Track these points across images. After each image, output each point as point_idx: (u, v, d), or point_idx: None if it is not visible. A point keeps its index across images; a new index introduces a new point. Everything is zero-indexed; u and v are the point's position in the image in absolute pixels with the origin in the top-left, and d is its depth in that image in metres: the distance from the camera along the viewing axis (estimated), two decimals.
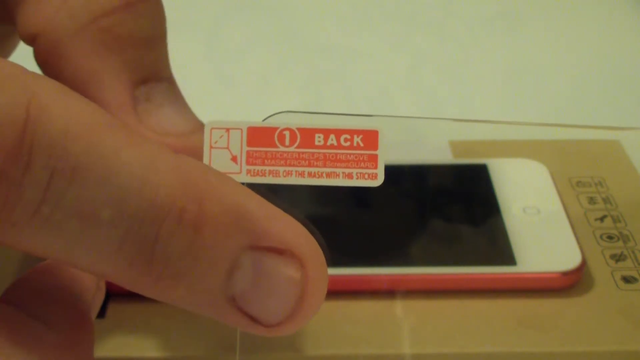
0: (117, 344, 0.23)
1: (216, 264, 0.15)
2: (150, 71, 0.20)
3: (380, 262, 0.24)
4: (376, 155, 0.17)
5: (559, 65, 0.44)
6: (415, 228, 0.26)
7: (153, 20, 0.20)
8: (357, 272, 0.24)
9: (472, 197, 0.28)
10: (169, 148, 0.16)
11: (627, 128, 0.28)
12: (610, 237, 0.26)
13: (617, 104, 0.40)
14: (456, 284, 0.24)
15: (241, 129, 0.17)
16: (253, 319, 0.16)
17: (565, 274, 0.24)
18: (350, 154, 0.17)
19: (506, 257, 0.25)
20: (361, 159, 0.17)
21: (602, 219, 0.27)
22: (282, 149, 0.17)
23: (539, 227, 0.26)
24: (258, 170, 0.17)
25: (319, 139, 0.17)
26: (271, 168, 0.17)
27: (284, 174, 0.17)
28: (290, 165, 0.17)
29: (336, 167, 0.17)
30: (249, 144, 0.17)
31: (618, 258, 0.25)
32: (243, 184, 0.17)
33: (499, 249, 0.25)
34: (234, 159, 0.17)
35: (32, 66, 0.17)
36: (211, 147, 0.17)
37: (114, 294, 0.23)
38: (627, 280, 0.24)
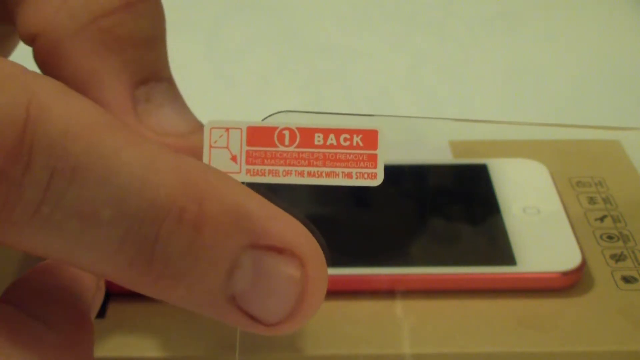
0: (117, 344, 0.23)
1: (216, 264, 0.15)
2: (150, 71, 0.20)
3: (380, 262, 0.24)
4: (376, 155, 0.17)
5: (559, 65, 0.44)
6: (415, 228, 0.26)
7: (153, 20, 0.20)
8: (357, 272, 0.24)
9: (472, 197, 0.28)
10: (169, 148, 0.16)
11: (627, 128, 0.28)
12: (610, 237, 0.26)
13: (617, 104, 0.40)
14: (456, 284, 0.24)
15: (241, 129, 0.17)
16: (253, 318, 0.16)
17: (565, 274, 0.24)
18: (349, 154, 0.17)
19: (506, 257, 0.25)
20: (361, 158, 0.17)
21: (602, 219, 0.27)
22: (281, 148, 0.17)
23: (539, 227, 0.26)
24: (258, 170, 0.17)
25: (318, 139, 0.17)
26: (271, 168, 0.17)
27: (284, 174, 0.17)
28: (289, 164, 0.17)
29: (336, 166, 0.17)
30: (249, 143, 0.17)
31: (618, 258, 0.25)
32: (243, 183, 0.17)
33: (499, 249, 0.25)
34: (233, 158, 0.17)
35: (32, 66, 0.17)
36: (211, 146, 0.17)
37: (114, 293, 0.24)
38: (627, 280, 0.24)
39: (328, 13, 0.48)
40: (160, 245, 0.15)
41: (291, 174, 0.17)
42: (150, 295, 0.16)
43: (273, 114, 0.18)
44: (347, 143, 0.17)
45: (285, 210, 0.16)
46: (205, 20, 0.47)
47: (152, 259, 0.15)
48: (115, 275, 0.15)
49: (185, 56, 0.37)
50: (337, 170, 0.17)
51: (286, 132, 0.17)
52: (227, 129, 0.17)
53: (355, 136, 0.17)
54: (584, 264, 0.24)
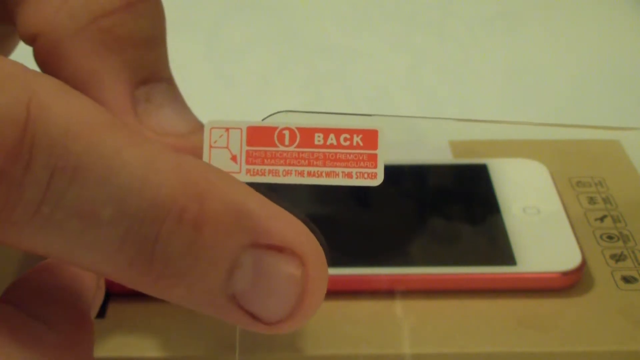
0: (117, 344, 0.23)
1: (217, 263, 0.15)
2: (150, 71, 0.20)
3: (380, 262, 0.24)
4: (376, 155, 0.17)
5: (559, 65, 0.44)
6: (415, 228, 0.26)
7: (153, 20, 0.20)
8: (357, 272, 0.24)
9: (472, 197, 0.28)
10: (169, 148, 0.16)
11: (627, 128, 0.28)
12: (610, 237, 0.26)
13: (617, 104, 0.40)
14: (456, 284, 0.24)
15: (241, 129, 0.17)
16: (254, 317, 0.16)
17: (565, 274, 0.24)
18: (349, 154, 0.17)
19: (506, 257, 0.25)
20: (361, 158, 0.17)
21: (602, 219, 0.27)
22: (281, 148, 0.17)
23: (539, 227, 0.26)
24: (258, 170, 0.17)
25: (318, 139, 0.17)
26: (271, 167, 0.17)
27: (284, 174, 0.17)
28: (289, 164, 0.17)
29: (336, 166, 0.17)
30: (249, 143, 0.17)
31: (618, 258, 0.25)
32: None
33: (499, 249, 0.25)
34: (233, 158, 0.17)
35: (33, 66, 0.17)
36: (211, 146, 0.17)
37: (114, 293, 0.24)
38: (627, 280, 0.24)
39: (328, 13, 0.48)
40: (160, 245, 0.15)
41: (291, 173, 0.17)
42: (150, 294, 0.16)
43: (273, 114, 0.18)
44: (347, 143, 0.17)
45: (286, 209, 0.16)
46: (205, 20, 0.47)
47: (152, 258, 0.15)
48: (115, 274, 0.15)
49: (185, 56, 0.37)
50: (337, 170, 0.17)
51: (286, 132, 0.17)
52: (227, 129, 0.17)
53: (355, 136, 0.17)
54: (584, 264, 0.24)
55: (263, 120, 0.18)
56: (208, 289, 0.16)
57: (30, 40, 0.20)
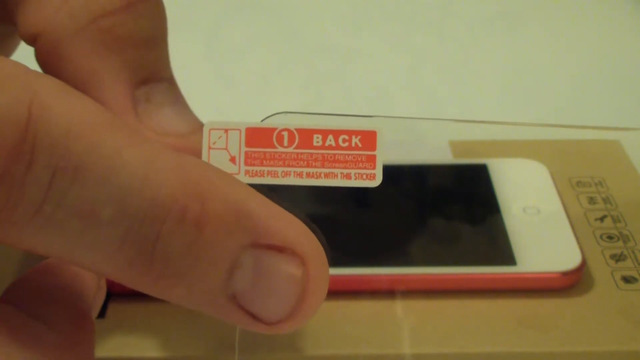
0: (117, 344, 0.23)
1: (217, 263, 0.15)
2: (150, 71, 0.20)
3: (380, 262, 0.24)
4: (374, 156, 0.17)
5: (559, 65, 0.44)
6: (415, 228, 0.26)
7: (153, 20, 0.20)
8: (357, 272, 0.24)
9: (472, 197, 0.28)
10: (170, 148, 0.16)
11: (627, 128, 0.28)
12: (610, 237, 0.26)
13: (617, 104, 0.40)
14: (456, 284, 0.24)
15: (240, 130, 0.17)
16: (254, 317, 0.16)
17: (565, 274, 0.24)
18: (348, 155, 0.17)
19: (506, 257, 0.25)
20: (359, 159, 0.17)
21: (602, 219, 0.27)
22: (280, 149, 0.17)
23: (539, 227, 0.26)
24: (256, 171, 0.17)
25: (317, 140, 0.17)
26: (270, 169, 0.17)
27: (283, 175, 0.17)
28: (288, 165, 0.17)
29: (334, 167, 0.17)
30: (248, 144, 0.17)
31: (618, 258, 0.25)
32: None
33: (499, 249, 0.25)
34: (232, 159, 0.17)
35: (34, 67, 0.17)
36: (210, 147, 0.17)
37: (114, 293, 0.24)
38: (627, 280, 0.24)
39: (328, 13, 0.48)
40: (160, 245, 0.15)
41: (290, 174, 0.17)
42: (150, 294, 0.16)
43: (272, 115, 0.18)
44: (346, 144, 0.17)
45: (286, 209, 0.16)
46: (205, 20, 0.47)
47: (152, 258, 0.15)
48: (115, 274, 0.15)
49: (185, 56, 0.37)
50: (335, 171, 0.17)
51: (285, 133, 0.17)
52: (226, 130, 0.17)
53: (354, 137, 0.17)
54: (584, 264, 0.24)
55: (262, 121, 0.18)
56: (208, 288, 0.16)
57: (30, 41, 0.20)
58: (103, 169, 0.15)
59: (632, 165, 0.29)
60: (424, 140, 0.30)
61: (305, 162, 0.17)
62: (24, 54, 0.21)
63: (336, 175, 0.17)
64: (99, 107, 0.15)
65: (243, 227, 0.16)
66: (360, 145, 0.17)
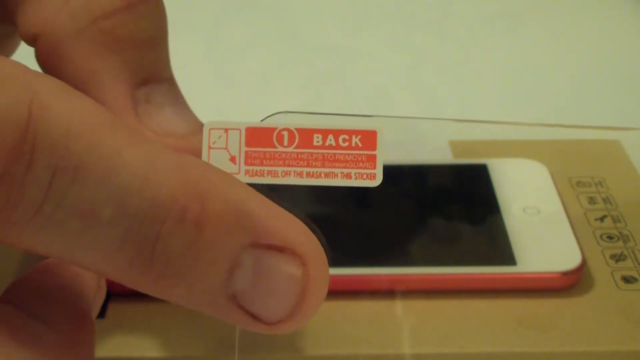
0: (117, 344, 0.23)
1: (217, 263, 0.15)
2: (150, 72, 0.20)
3: (380, 262, 0.24)
4: (374, 156, 0.17)
5: (559, 65, 0.44)
6: (415, 228, 0.26)
7: (154, 21, 0.20)
8: (357, 272, 0.24)
9: (472, 197, 0.28)
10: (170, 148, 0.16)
11: (627, 128, 0.28)
12: (610, 237, 0.26)
13: (617, 104, 0.40)
14: (456, 284, 0.24)
15: (240, 130, 0.17)
16: (254, 317, 0.16)
17: (565, 274, 0.24)
18: (348, 154, 0.17)
19: (506, 257, 0.25)
20: (359, 159, 0.17)
21: (602, 219, 0.27)
22: (280, 149, 0.17)
23: (539, 227, 0.26)
24: (256, 171, 0.17)
25: (317, 139, 0.17)
26: (270, 168, 0.17)
27: (283, 174, 0.17)
28: (288, 165, 0.17)
29: (334, 167, 0.17)
30: (248, 144, 0.17)
31: (618, 258, 0.25)
32: None
33: (499, 249, 0.25)
34: (232, 159, 0.17)
35: (34, 67, 0.17)
36: (210, 147, 0.17)
37: (114, 293, 0.24)
38: (627, 280, 0.24)
39: (328, 13, 0.48)
40: (160, 245, 0.15)
41: (290, 174, 0.17)
42: (151, 294, 0.16)
43: (272, 115, 0.18)
44: (346, 144, 0.17)
45: (286, 209, 0.16)
46: (205, 20, 0.47)
47: (152, 258, 0.15)
48: (115, 274, 0.15)
49: (185, 56, 0.37)
50: (336, 170, 0.17)
51: (285, 133, 0.17)
52: (226, 130, 0.17)
53: (354, 137, 0.17)
54: (584, 264, 0.24)
55: (262, 121, 0.18)
56: (208, 288, 0.16)
57: (31, 41, 0.20)
58: (103, 169, 0.15)
59: (632, 165, 0.29)
60: (424, 140, 0.30)
61: (306, 162, 0.17)
62: (24, 54, 0.21)
63: (336, 175, 0.17)
64: (99, 107, 0.15)
65: (243, 227, 0.16)
66: (360, 145, 0.17)
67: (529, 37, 0.45)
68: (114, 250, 0.15)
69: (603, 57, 0.43)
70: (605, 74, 0.42)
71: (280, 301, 0.16)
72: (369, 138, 0.17)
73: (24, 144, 0.14)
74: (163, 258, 0.15)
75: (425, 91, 0.41)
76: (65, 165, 0.14)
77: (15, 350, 0.16)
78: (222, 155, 0.17)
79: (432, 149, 0.30)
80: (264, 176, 0.17)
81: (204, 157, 0.17)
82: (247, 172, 0.17)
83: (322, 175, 0.17)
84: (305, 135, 0.17)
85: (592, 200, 0.28)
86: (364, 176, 0.17)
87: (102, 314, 0.23)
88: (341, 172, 0.17)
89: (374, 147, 0.17)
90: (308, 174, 0.17)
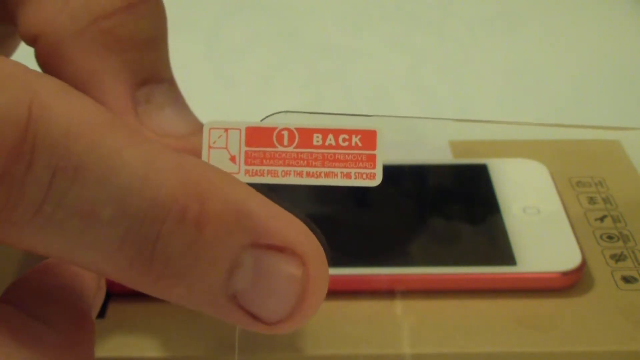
0: (117, 344, 0.23)
1: (217, 263, 0.16)
2: (150, 72, 0.20)
3: (380, 262, 0.24)
4: (374, 155, 0.17)
5: (559, 65, 0.44)
6: (415, 228, 0.26)
7: (154, 21, 0.20)
8: (357, 272, 0.24)
9: (472, 197, 0.28)
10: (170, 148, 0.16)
11: (627, 128, 0.28)
12: (610, 237, 0.26)
13: (617, 104, 0.40)
14: (456, 284, 0.24)
15: (240, 129, 0.17)
16: (254, 317, 0.16)
17: (565, 274, 0.24)
18: (348, 154, 0.17)
19: (506, 257, 0.25)
20: (359, 158, 0.17)
21: (602, 219, 0.27)
22: (280, 149, 0.17)
23: (539, 227, 0.26)
24: (256, 170, 0.17)
25: (317, 139, 0.17)
26: (270, 168, 0.17)
27: (283, 174, 0.17)
28: (288, 165, 0.17)
29: (334, 167, 0.17)
30: (248, 144, 0.17)
31: (618, 258, 0.25)
32: None
33: (499, 249, 0.25)
34: (232, 159, 0.17)
35: (34, 67, 0.17)
36: (210, 147, 0.17)
37: (114, 293, 0.24)
38: (627, 280, 0.24)
39: (328, 13, 0.48)
40: (160, 245, 0.15)
41: (290, 174, 0.17)
42: (151, 294, 0.16)
43: (272, 115, 0.18)
44: (346, 143, 0.17)
45: (286, 209, 0.16)
46: (205, 20, 0.47)
47: (152, 258, 0.15)
48: (115, 274, 0.15)
49: (185, 56, 0.37)
50: (335, 170, 0.17)
51: (285, 133, 0.17)
52: (226, 130, 0.17)
53: (354, 136, 0.17)
54: (584, 264, 0.24)
55: (262, 120, 0.18)
56: (208, 288, 0.16)
57: (31, 41, 0.20)
58: (103, 168, 0.15)
59: (632, 165, 0.29)
60: (424, 140, 0.30)
61: (305, 162, 0.17)
62: (24, 54, 0.21)
63: (336, 175, 0.17)
64: (99, 107, 0.15)
65: (243, 227, 0.16)
66: (360, 144, 0.17)
67: (529, 37, 0.45)
68: (114, 250, 0.15)
69: (603, 57, 0.43)
70: (605, 74, 0.42)
71: (280, 301, 0.16)
72: (369, 138, 0.17)
73: (24, 144, 0.14)
74: (163, 258, 0.15)
75: (425, 91, 0.41)
76: (65, 165, 0.14)
77: (15, 350, 0.16)
78: (222, 154, 0.17)
79: (432, 149, 0.30)
80: (263, 176, 0.17)
81: (204, 157, 0.17)
82: (247, 171, 0.17)
83: (322, 175, 0.17)
84: (305, 135, 0.17)
85: (592, 200, 0.28)
86: (364, 176, 0.17)
87: (102, 314, 0.23)
88: (341, 172, 0.17)
89: (373, 147, 0.17)
90: (308, 174, 0.17)
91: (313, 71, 0.43)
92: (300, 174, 0.17)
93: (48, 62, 0.20)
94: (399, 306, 0.24)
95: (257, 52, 0.44)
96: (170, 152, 0.16)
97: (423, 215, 0.27)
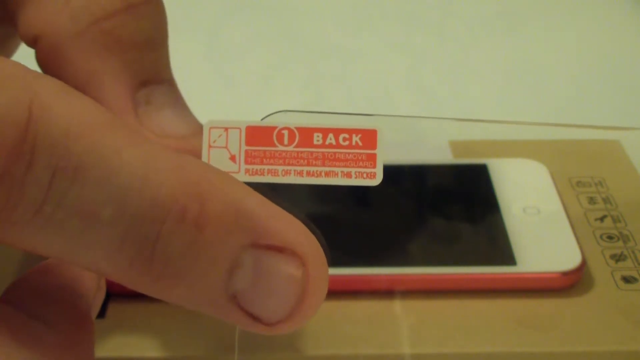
0: (117, 344, 0.23)
1: (217, 263, 0.16)
2: (150, 73, 0.20)
3: (380, 262, 0.24)
4: (375, 155, 0.17)
5: (559, 65, 0.44)
6: (415, 228, 0.26)
7: (154, 22, 0.20)
8: (357, 272, 0.24)
9: (472, 197, 0.28)
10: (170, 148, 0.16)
11: (627, 128, 0.28)
12: (610, 237, 0.26)
13: (617, 104, 0.40)
14: (456, 284, 0.24)
15: (240, 128, 0.17)
16: (254, 317, 0.16)
17: (565, 274, 0.24)
18: (348, 153, 0.17)
19: (506, 257, 0.25)
20: (360, 158, 0.17)
21: (602, 219, 0.27)
22: (280, 148, 0.17)
23: (539, 227, 0.26)
24: (257, 170, 0.17)
25: (317, 138, 0.17)
26: (270, 167, 0.17)
27: (283, 173, 0.17)
28: (289, 164, 0.17)
29: (335, 166, 0.17)
30: (248, 143, 0.17)
31: (618, 258, 0.25)
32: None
33: (499, 249, 0.25)
34: (232, 158, 0.17)
35: (34, 68, 0.17)
36: (210, 146, 0.17)
37: (114, 293, 0.24)
38: (627, 280, 0.24)
39: (328, 13, 0.48)
40: (160, 245, 0.15)
41: (290, 173, 0.17)
42: (150, 295, 0.16)
43: (272, 114, 0.18)
44: (346, 143, 0.17)
45: (286, 209, 0.16)
46: (205, 20, 0.47)
47: (152, 258, 0.15)
48: (115, 274, 0.15)
49: (185, 56, 0.37)
50: (336, 169, 0.17)
51: (285, 132, 0.17)
52: (226, 129, 0.17)
53: (354, 136, 0.17)
54: (584, 264, 0.24)
55: (262, 120, 0.18)
56: (208, 289, 0.16)
57: (31, 42, 0.20)
58: (103, 169, 0.15)
59: (632, 165, 0.29)
60: (424, 140, 0.30)
61: (306, 161, 0.17)
62: (24, 54, 0.21)
63: (336, 174, 0.17)
64: (99, 107, 0.15)
65: (243, 227, 0.16)
66: (360, 144, 0.17)
67: (529, 37, 0.45)
68: (114, 250, 0.15)
69: (603, 57, 0.43)
70: (605, 74, 0.42)
71: (280, 301, 0.16)
72: (369, 137, 0.17)
73: (24, 144, 0.14)
74: (163, 258, 0.15)
75: (425, 91, 0.42)
76: (65, 165, 0.14)
77: (15, 350, 0.16)
78: (222, 154, 0.17)
79: (432, 148, 0.30)
80: (264, 175, 0.17)
81: (204, 156, 0.17)
82: (247, 171, 0.17)
83: (322, 174, 0.17)
84: (306, 134, 0.17)
85: (592, 200, 0.28)
86: (364, 175, 0.17)
87: (102, 314, 0.23)
88: (341, 171, 0.17)
89: (374, 146, 0.17)
90: (308, 173, 0.17)
91: (313, 71, 0.43)
92: (300, 173, 0.17)
93: (48, 63, 0.20)
94: (398, 306, 0.24)
95: (257, 52, 0.45)
96: (170, 152, 0.16)
97: (423, 215, 0.27)
